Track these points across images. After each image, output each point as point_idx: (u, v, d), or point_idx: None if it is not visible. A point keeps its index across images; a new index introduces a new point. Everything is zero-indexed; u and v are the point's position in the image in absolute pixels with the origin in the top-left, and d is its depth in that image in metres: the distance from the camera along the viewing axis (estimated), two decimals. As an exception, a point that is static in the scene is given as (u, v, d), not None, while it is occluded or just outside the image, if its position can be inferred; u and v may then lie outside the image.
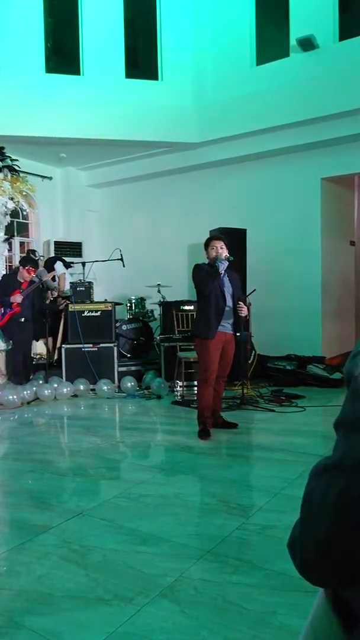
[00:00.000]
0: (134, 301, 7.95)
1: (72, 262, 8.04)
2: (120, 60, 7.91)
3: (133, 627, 1.88)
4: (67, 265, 7.68)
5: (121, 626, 1.88)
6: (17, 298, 6.19)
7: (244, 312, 4.46)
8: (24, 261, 6.57)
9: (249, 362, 6.68)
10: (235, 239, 6.87)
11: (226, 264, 4.40)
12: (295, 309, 7.56)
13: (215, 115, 7.72)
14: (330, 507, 0.57)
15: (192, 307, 6.86)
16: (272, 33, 7.80)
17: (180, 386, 6.11)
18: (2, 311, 6.22)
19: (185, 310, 6.89)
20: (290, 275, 7.65)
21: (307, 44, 6.98)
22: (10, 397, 5.78)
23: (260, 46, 7.78)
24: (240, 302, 4.47)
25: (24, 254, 8.88)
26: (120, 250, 7.27)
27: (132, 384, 6.56)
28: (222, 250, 4.42)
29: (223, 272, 4.43)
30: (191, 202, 8.59)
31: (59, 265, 7.61)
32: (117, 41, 7.89)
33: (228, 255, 4.43)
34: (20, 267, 6.52)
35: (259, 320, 7.15)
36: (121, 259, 7.26)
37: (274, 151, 7.66)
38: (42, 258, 7.88)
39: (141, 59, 8.34)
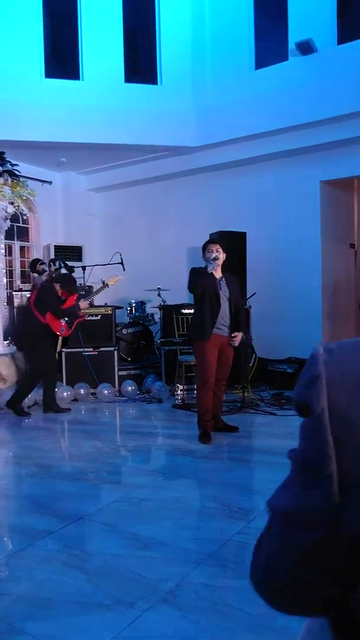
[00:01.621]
0: (134, 305, 7.96)
1: (73, 266, 8.05)
2: (119, 64, 7.93)
3: (134, 632, 1.87)
4: (70, 269, 7.68)
5: (122, 631, 1.87)
6: (84, 303, 6.05)
7: (236, 341, 4.45)
8: (59, 281, 6.01)
9: (250, 365, 6.67)
10: (234, 242, 6.88)
11: (214, 264, 4.40)
12: (296, 312, 7.56)
13: (214, 119, 7.73)
14: (287, 559, 0.55)
15: (192, 311, 6.84)
16: (271, 37, 7.83)
17: (180, 390, 6.11)
18: (67, 320, 5.96)
19: (186, 314, 6.88)
20: (290, 278, 7.65)
21: (306, 47, 7.01)
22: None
23: (259, 50, 7.81)
24: (235, 333, 4.45)
25: (29, 259, 8.91)
26: (120, 254, 7.27)
27: (133, 387, 6.56)
28: (217, 253, 4.43)
29: (217, 274, 4.47)
30: (191, 206, 8.61)
31: (62, 270, 7.60)
32: (116, 46, 7.91)
33: (215, 255, 4.43)
34: (56, 285, 5.97)
35: (259, 324, 7.15)
36: (121, 263, 7.26)
37: (273, 154, 7.67)
38: (45, 264, 7.86)
39: (140, 64, 8.36)
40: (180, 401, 6.05)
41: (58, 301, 5.79)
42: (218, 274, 4.49)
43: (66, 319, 5.89)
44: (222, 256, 4.46)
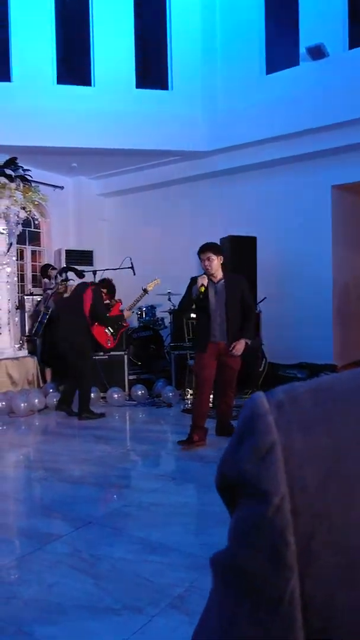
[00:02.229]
0: (144, 309, 7.97)
1: (83, 271, 8.08)
2: (130, 70, 7.98)
3: (143, 637, 1.86)
4: (80, 274, 7.71)
5: (131, 637, 1.87)
6: (127, 312, 6.07)
7: (235, 352, 4.24)
8: (105, 287, 6.13)
9: (260, 370, 6.64)
10: (245, 247, 6.87)
11: (198, 291, 4.22)
12: (307, 317, 7.53)
13: (225, 124, 7.75)
14: None
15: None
16: (282, 42, 7.84)
17: (190, 394, 6.10)
18: (112, 331, 5.97)
19: (196, 319, 6.88)
20: (301, 282, 7.62)
21: (317, 52, 7.00)
22: (22, 404, 5.79)
23: (270, 55, 7.82)
24: (235, 344, 4.24)
25: (41, 264, 8.96)
26: (130, 259, 7.29)
27: (143, 392, 6.55)
28: (209, 262, 4.24)
29: (216, 277, 4.29)
30: (201, 211, 8.62)
31: (72, 275, 7.64)
32: (127, 52, 7.97)
33: (200, 286, 4.21)
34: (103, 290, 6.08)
35: (270, 328, 7.12)
36: (132, 268, 7.28)
37: (284, 159, 7.66)
38: (55, 269, 7.90)
39: (151, 69, 8.41)
40: (189, 405, 6.04)
41: (107, 309, 5.81)
42: (218, 276, 4.31)
43: (110, 329, 5.91)
44: (215, 263, 4.26)
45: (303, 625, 0.33)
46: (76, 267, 8.04)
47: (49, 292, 7.28)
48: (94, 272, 7.70)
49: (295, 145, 7.41)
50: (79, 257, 8.92)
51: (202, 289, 4.19)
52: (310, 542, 0.33)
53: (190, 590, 2.17)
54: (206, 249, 4.31)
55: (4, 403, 5.79)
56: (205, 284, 4.22)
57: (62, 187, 9.10)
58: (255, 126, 7.45)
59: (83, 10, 7.92)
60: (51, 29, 7.75)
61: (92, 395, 5.92)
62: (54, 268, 7.95)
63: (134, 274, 7.35)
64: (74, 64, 8.08)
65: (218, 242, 7.20)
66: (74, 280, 7.48)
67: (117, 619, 1.98)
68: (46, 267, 8.03)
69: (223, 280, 4.32)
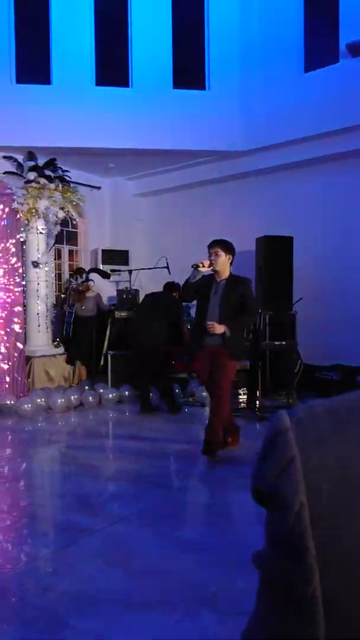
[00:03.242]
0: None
1: (119, 270, 8.17)
2: (168, 71, 8.02)
3: (175, 634, 1.88)
4: (105, 275, 7.78)
5: (163, 633, 1.89)
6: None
7: (210, 328, 3.94)
8: (177, 289, 6.37)
9: (295, 371, 6.57)
10: (281, 246, 6.81)
11: (196, 273, 4.02)
12: (344, 318, 7.39)
13: (262, 123, 7.69)
14: None
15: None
16: (321, 39, 7.72)
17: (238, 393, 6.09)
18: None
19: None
20: (339, 282, 7.49)
21: (357, 49, 6.87)
22: (59, 401, 5.91)
23: (309, 52, 7.72)
24: (210, 322, 3.97)
25: (77, 263, 9.12)
26: (166, 259, 7.33)
27: (177, 391, 6.58)
28: (215, 257, 4.03)
29: (219, 277, 4.08)
30: (237, 210, 8.58)
31: (95, 277, 7.70)
32: (165, 52, 8.01)
33: (197, 263, 4.01)
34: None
35: (306, 329, 7.02)
36: (167, 267, 7.32)
37: (322, 158, 7.55)
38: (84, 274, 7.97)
39: (189, 69, 8.42)
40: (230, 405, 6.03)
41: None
42: (222, 275, 4.09)
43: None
44: (221, 259, 4.03)
45: (325, 622, 0.37)
46: (103, 268, 8.08)
47: (71, 291, 7.37)
48: (130, 272, 7.78)
49: (334, 143, 7.28)
50: (115, 257, 9.02)
51: (199, 264, 3.97)
52: (327, 547, 0.37)
53: (222, 589, 2.17)
54: (215, 243, 4.15)
55: (42, 399, 5.92)
56: (207, 265, 3.99)
57: (99, 188, 9.22)
58: (293, 125, 7.37)
59: (121, 12, 8.00)
60: (90, 31, 7.87)
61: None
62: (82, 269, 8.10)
63: (169, 274, 7.38)
64: (112, 65, 8.17)
65: (254, 242, 7.19)
66: (93, 281, 7.57)
67: (149, 615, 2.01)
68: (78, 271, 8.16)
69: (225, 281, 4.10)
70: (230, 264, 4.16)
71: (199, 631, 1.91)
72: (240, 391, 6.48)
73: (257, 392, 5.80)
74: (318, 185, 7.77)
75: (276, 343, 6.10)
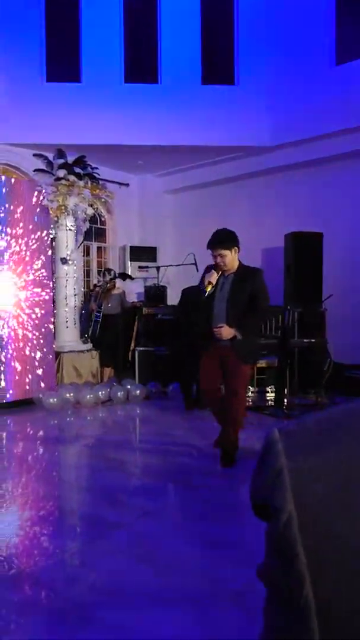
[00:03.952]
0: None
1: (147, 267, 8.19)
2: (197, 67, 8.00)
3: (200, 629, 1.88)
4: (126, 277, 7.83)
5: (189, 628, 1.89)
6: None
7: (218, 333, 3.57)
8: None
9: (324, 369, 6.48)
10: (310, 243, 6.72)
11: (205, 288, 3.64)
12: (375, 316, 7.25)
13: (291, 118, 7.59)
14: None
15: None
16: (355, 30, 7.56)
17: (251, 392, 6.05)
18: None
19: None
20: (369, 280, 7.36)
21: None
22: (88, 396, 5.98)
23: (341, 44, 7.57)
24: (221, 325, 3.56)
25: (106, 260, 9.18)
26: (194, 255, 7.32)
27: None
28: (221, 259, 3.65)
29: (227, 270, 3.70)
30: (265, 206, 8.50)
31: (118, 282, 7.74)
32: (194, 48, 7.98)
33: (207, 284, 3.62)
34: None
35: (336, 327, 6.92)
36: (195, 264, 7.31)
37: (352, 153, 7.41)
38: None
39: (217, 64, 8.37)
40: (250, 402, 6.00)
41: None
42: (231, 269, 3.71)
43: None
44: (228, 258, 3.66)
45: (317, 626, 0.39)
46: (142, 263, 8.13)
47: (98, 289, 7.41)
48: (158, 269, 7.80)
49: (366, 137, 7.14)
50: (143, 254, 9.06)
51: (209, 288, 3.59)
52: (320, 552, 0.38)
53: (248, 586, 2.16)
54: (217, 245, 3.66)
55: (71, 394, 5.99)
56: (214, 282, 3.63)
57: (127, 185, 9.27)
58: (323, 119, 7.25)
59: (150, 9, 8.01)
60: (119, 29, 7.90)
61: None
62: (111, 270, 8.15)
63: (197, 270, 7.37)
64: (141, 62, 8.19)
65: (282, 239, 7.10)
66: (118, 279, 7.61)
67: (175, 609, 2.01)
68: (107, 271, 8.20)
69: (233, 274, 3.70)
70: (237, 253, 3.76)
71: (225, 627, 1.90)
72: (268, 389, 6.43)
73: (285, 390, 5.74)
74: (348, 181, 7.64)
75: (305, 341, 6.03)
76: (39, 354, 6.18)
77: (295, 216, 7.79)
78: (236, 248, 3.71)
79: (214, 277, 3.63)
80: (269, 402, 6.08)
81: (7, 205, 5.87)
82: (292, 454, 0.42)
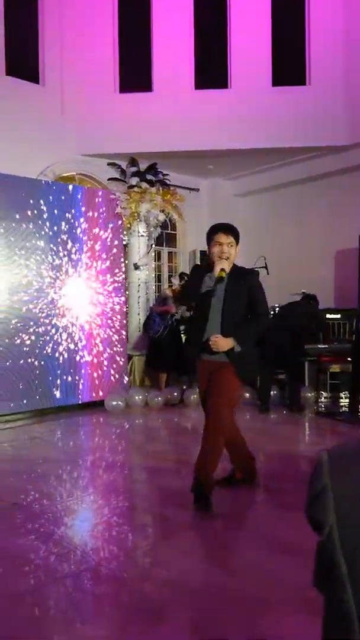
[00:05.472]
0: (277, 309, 7.87)
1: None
2: (267, 69, 7.94)
3: (271, 634, 1.87)
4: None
5: (258, 631, 1.89)
6: None
7: (212, 344, 3.01)
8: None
9: None
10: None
11: (213, 278, 3.05)
12: None
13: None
14: None
15: (338, 316, 6.59)
16: None
17: (324, 397, 5.91)
18: None
19: (331, 319, 6.65)
20: None
21: None
22: (156, 399, 6.09)
23: None
24: (213, 337, 3.01)
25: (176, 265, 9.30)
26: (264, 258, 7.26)
27: (275, 392, 6.48)
28: (229, 248, 3.11)
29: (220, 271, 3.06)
30: (340, 207, 8.27)
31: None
32: (264, 51, 7.94)
33: (220, 270, 3.03)
34: None
35: None
36: (265, 267, 7.24)
37: None
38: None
39: (288, 66, 8.27)
40: (323, 409, 5.85)
41: None
42: (226, 269, 3.10)
43: None
44: (234, 250, 3.15)
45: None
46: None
47: (166, 292, 7.45)
48: (228, 272, 7.77)
49: None
50: (213, 257, 9.06)
51: (223, 274, 3.02)
52: (355, 565, 0.44)
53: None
54: (228, 230, 3.17)
55: (139, 397, 6.13)
56: (227, 269, 3.07)
57: (197, 190, 9.34)
58: None
59: (219, 14, 8.05)
60: (189, 36, 8.01)
61: None
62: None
63: (268, 273, 7.30)
64: (211, 67, 8.25)
65: (357, 239, 6.88)
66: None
67: (247, 612, 2.02)
68: (181, 276, 8.28)
69: (227, 275, 3.09)
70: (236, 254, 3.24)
71: (297, 633, 1.88)
72: (342, 394, 6.26)
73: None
74: None
75: (382, 344, 5.79)
76: (112, 358, 6.37)
77: (371, 216, 7.53)
78: (238, 247, 3.24)
79: (224, 263, 3.07)
80: (343, 408, 5.92)
81: (83, 213, 6.12)
82: (336, 475, 0.48)
